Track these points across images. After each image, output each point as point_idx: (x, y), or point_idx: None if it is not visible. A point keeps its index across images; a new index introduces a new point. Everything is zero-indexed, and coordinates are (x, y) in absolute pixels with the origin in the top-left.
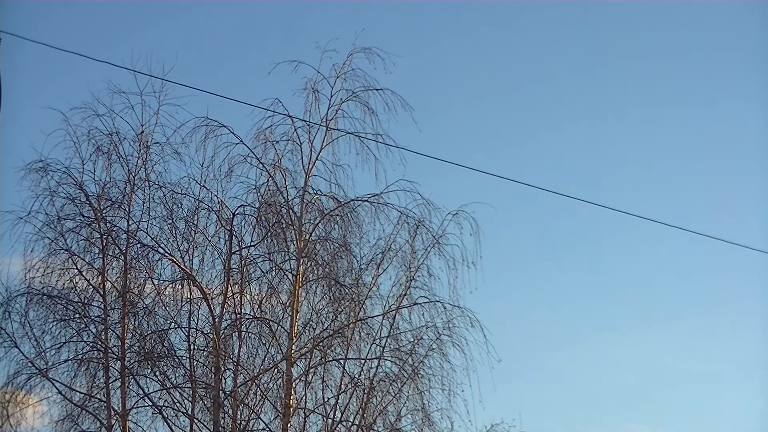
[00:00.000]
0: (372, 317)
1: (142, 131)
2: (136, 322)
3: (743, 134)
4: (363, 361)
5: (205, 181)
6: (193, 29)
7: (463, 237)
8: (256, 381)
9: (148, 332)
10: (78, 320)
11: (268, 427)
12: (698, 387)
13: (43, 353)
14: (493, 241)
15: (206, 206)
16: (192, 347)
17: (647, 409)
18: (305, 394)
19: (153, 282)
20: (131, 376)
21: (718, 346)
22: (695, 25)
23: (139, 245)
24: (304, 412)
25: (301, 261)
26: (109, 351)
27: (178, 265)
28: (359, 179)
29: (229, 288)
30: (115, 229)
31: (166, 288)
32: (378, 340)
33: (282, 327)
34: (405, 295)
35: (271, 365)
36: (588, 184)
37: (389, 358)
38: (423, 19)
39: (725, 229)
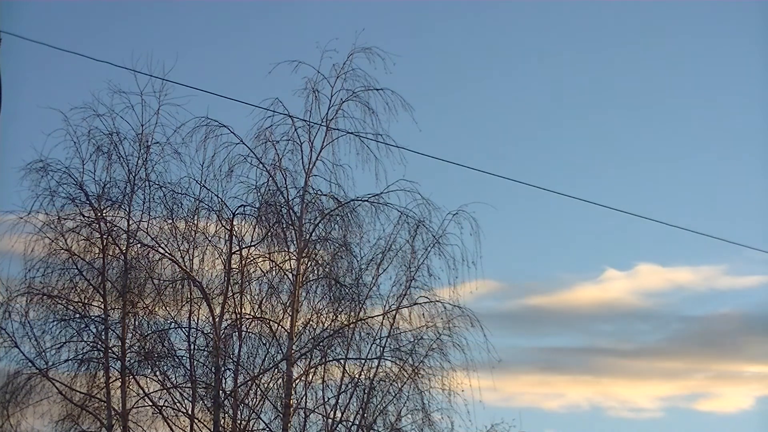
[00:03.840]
0: (372, 317)
1: (142, 131)
2: (136, 322)
3: (743, 133)
4: (363, 361)
5: (205, 181)
6: (193, 29)
7: (463, 237)
8: (256, 381)
9: (148, 332)
10: (78, 320)
11: (268, 427)
12: None
13: (43, 353)
14: (493, 241)
15: (206, 206)
16: (192, 347)
17: None
18: (305, 394)
19: (153, 282)
20: (131, 376)
21: None
22: (696, 24)
23: (139, 245)
24: (304, 412)
25: (301, 261)
26: (109, 351)
27: (178, 265)
28: (359, 179)
29: (229, 288)
30: (115, 229)
31: (166, 288)
32: (378, 340)
33: (282, 327)
34: (405, 295)
35: (271, 365)
36: (588, 184)
37: (389, 358)
38: (423, 19)
39: (725, 228)
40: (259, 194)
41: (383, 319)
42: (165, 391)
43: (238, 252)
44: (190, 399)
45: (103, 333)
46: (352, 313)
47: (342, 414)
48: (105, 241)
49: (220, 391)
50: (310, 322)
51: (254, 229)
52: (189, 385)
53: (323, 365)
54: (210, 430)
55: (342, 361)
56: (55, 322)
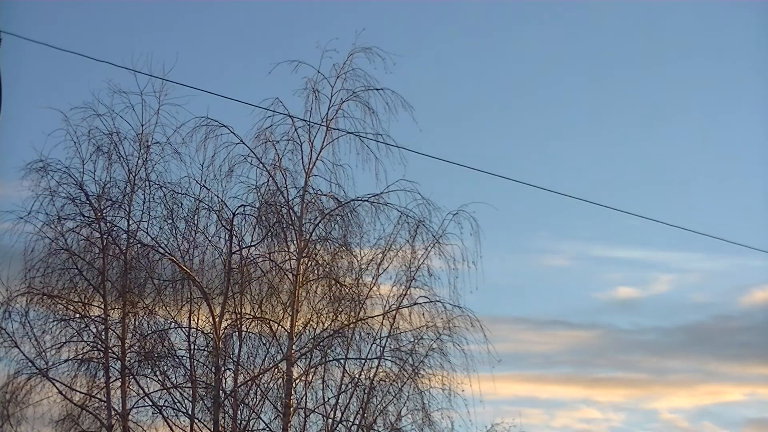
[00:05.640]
0: (372, 317)
1: (143, 131)
2: (136, 322)
3: (743, 133)
4: (363, 361)
5: (205, 181)
6: (193, 29)
7: (463, 237)
8: (256, 381)
9: (148, 332)
10: (78, 320)
11: (268, 427)
12: None
13: (43, 353)
14: (493, 241)
15: (206, 206)
16: (192, 347)
17: None
18: (305, 394)
19: (153, 282)
20: (131, 376)
21: None
22: (697, 25)
23: (139, 245)
24: (305, 412)
25: (301, 261)
26: (109, 351)
27: (178, 265)
28: (359, 179)
29: (229, 288)
30: (115, 229)
31: (166, 288)
32: (378, 340)
33: (282, 327)
34: (405, 295)
35: (271, 365)
36: (588, 184)
37: (389, 358)
38: (423, 19)
39: (726, 228)
40: (259, 194)
41: (383, 319)
42: (165, 391)
43: (238, 252)
44: (190, 399)
45: (103, 333)
46: (352, 313)
47: (342, 414)
48: (105, 241)
49: (220, 391)
50: (310, 322)
51: (254, 229)
52: (189, 385)
53: (323, 365)
54: (210, 430)
55: (342, 361)
56: (55, 322)
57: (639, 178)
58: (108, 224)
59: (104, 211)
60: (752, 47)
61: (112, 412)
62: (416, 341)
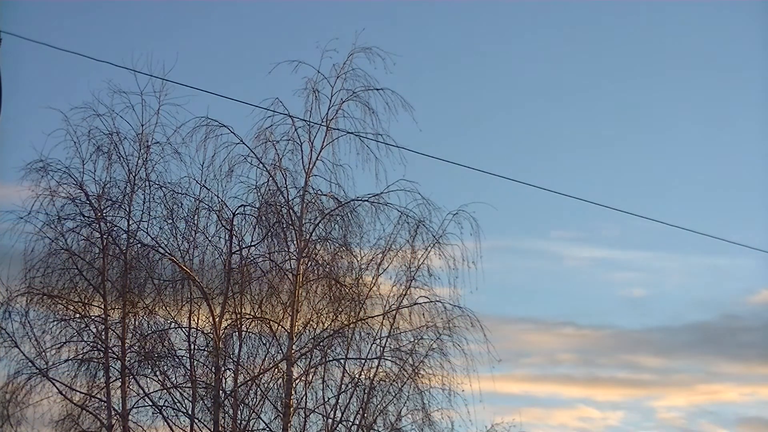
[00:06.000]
0: (372, 317)
1: (143, 131)
2: (136, 322)
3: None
4: (363, 361)
5: (205, 181)
6: (193, 29)
7: (463, 237)
8: (256, 381)
9: (148, 332)
10: (78, 320)
11: (268, 427)
12: None
13: (43, 353)
14: (498, 241)
15: (206, 206)
16: (192, 347)
17: None
18: (305, 394)
19: (153, 282)
20: (131, 376)
21: None
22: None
23: (139, 245)
24: (305, 412)
25: (301, 261)
26: (109, 351)
27: (178, 265)
28: (359, 179)
29: (229, 288)
30: (115, 228)
31: (166, 288)
32: (378, 340)
33: (282, 327)
34: (405, 295)
35: (271, 365)
36: (589, 184)
37: (389, 358)
38: (423, 19)
39: (729, 229)
40: (259, 194)
41: (383, 319)
42: (165, 391)
43: (238, 252)
44: (190, 399)
45: (103, 333)
46: (352, 313)
47: (342, 414)
48: (105, 241)
49: (220, 391)
50: (310, 322)
51: (254, 229)
52: (189, 385)
53: (323, 365)
54: (210, 430)
55: (342, 361)
56: (55, 322)
57: (639, 178)
58: (108, 224)
59: (104, 211)
60: (752, 48)
61: (112, 412)
62: (416, 341)
